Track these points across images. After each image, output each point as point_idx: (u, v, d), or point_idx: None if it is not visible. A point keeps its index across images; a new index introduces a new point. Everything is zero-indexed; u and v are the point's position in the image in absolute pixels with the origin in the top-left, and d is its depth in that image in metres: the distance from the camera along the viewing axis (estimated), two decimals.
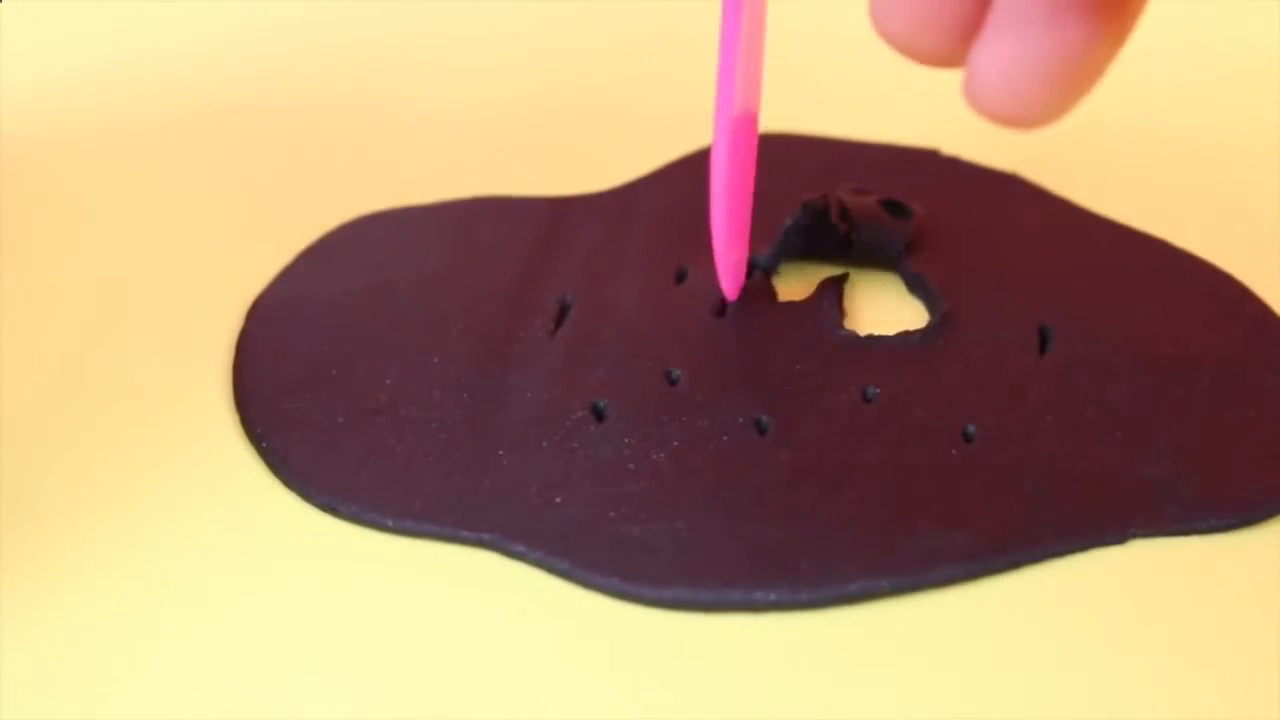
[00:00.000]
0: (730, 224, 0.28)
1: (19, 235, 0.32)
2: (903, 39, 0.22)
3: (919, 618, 0.24)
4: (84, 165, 0.35)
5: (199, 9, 0.42)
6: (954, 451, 0.27)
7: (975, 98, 0.21)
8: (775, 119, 0.35)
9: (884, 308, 0.31)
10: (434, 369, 0.28)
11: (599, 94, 0.38)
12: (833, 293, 0.31)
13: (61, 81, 0.38)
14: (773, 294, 0.31)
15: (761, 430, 0.27)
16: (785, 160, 0.34)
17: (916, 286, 0.31)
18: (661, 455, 0.27)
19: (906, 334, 0.29)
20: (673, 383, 0.28)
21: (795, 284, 0.31)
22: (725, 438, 0.27)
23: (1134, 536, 0.25)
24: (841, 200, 0.32)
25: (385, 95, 0.38)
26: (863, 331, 0.30)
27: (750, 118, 0.28)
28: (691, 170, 0.34)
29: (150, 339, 0.30)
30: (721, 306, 0.30)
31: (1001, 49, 0.21)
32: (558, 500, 0.26)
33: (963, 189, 0.34)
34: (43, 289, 0.31)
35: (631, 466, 0.26)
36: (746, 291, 0.30)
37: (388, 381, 0.28)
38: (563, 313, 0.30)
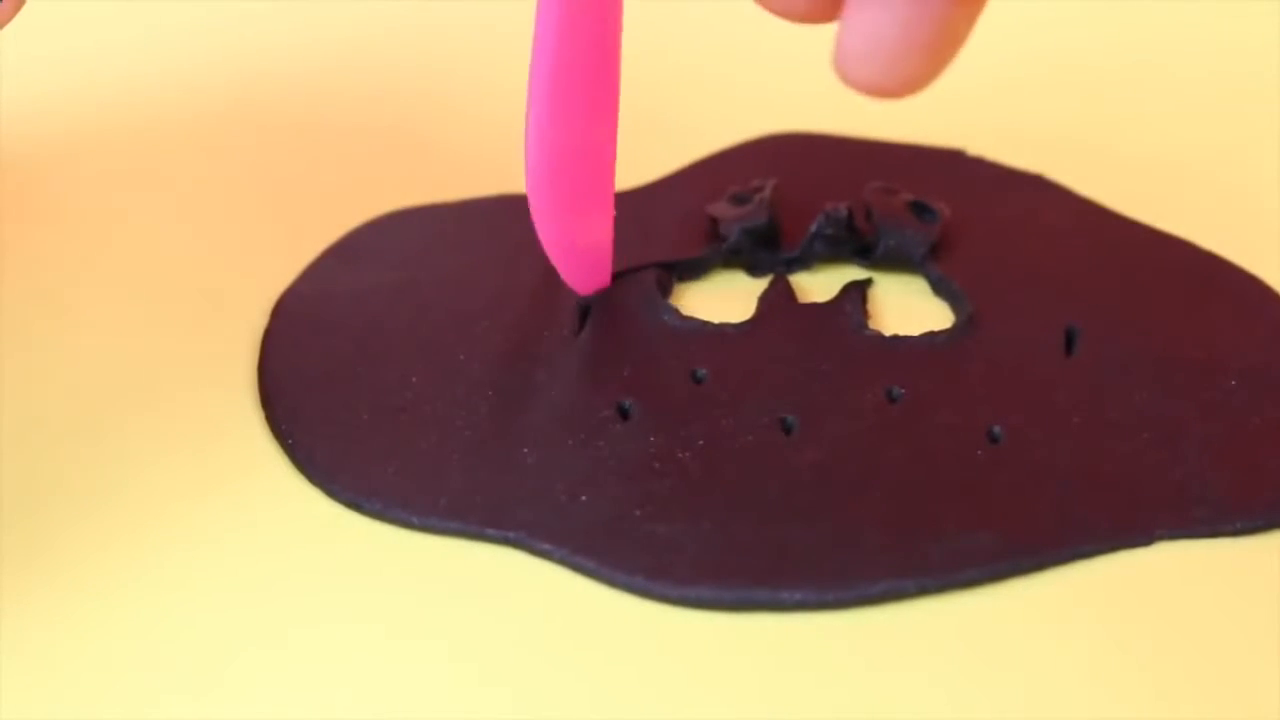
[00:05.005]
0: (567, 195, 0.27)
1: (48, 234, 0.33)
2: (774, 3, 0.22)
3: (945, 618, 0.24)
4: (111, 163, 0.35)
5: (225, 6, 0.42)
6: (980, 452, 0.27)
7: (842, 69, 0.21)
8: (798, 119, 0.35)
9: (909, 309, 0.31)
10: (459, 367, 0.28)
11: (620, 94, 0.38)
12: (857, 295, 0.31)
13: (88, 80, 0.38)
14: (793, 296, 0.31)
15: (787, 430, 0.27)
16: (809, 160, 0.34)
17: (941, 287, 0.31)
18: (687, 454, 0.26)
19: (932, 334, 0.29)
20: (698, 382, 0.28)
21: (818, 288, 0.31)
22: (750, 437, 0.27)
23: (1161, 538, 0.25)
24: (868, 202, 0.32)
25: (411, 92, 0.38)
26: (888, 332, 0.29)
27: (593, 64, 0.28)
28: (714, 171, 0.34)
29: (176, 336, 0.30)
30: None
31: (865, 18, 0.21)
32: (583, 499, 0.26)
33: (988, 189, 0.34)
34: (70, 287, 0.31)
35: (657, 465, 0.26)
36: (771, 293, 0.30)
37: (413, 379, 0.28)
38: (587, 311, 0.30)
